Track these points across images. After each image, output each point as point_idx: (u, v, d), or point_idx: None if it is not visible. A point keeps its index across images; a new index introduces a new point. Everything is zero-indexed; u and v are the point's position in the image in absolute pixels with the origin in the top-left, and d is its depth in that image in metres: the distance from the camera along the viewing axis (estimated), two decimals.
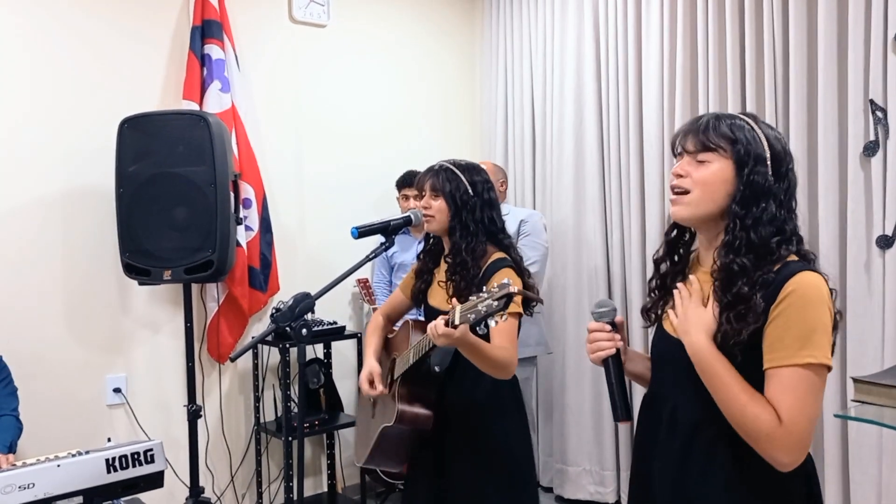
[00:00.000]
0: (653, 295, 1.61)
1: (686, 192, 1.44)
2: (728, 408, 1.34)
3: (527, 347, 3.43)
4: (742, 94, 3.20)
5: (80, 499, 2.30)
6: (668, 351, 1.50)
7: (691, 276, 1.49)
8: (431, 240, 2.31)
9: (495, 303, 1.64)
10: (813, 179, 2.98)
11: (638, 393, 3.09)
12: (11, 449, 2.59)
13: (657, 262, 1.60)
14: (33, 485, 2.20)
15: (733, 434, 1.35)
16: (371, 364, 2.25)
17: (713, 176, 1.41)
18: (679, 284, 1.49)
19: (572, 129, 3.97)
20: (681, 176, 1.45)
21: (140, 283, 3.24)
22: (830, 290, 1.36)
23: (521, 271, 2.14)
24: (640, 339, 3.49)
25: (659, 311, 1.57)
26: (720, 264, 1.40)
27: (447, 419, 2.12)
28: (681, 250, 1.58)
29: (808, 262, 1.39)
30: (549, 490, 4.12)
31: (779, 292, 1.33)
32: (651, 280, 1.63)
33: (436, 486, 2.16)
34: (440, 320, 1.81)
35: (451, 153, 3.57)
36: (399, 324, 2.43)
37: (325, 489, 3.95)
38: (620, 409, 1.51)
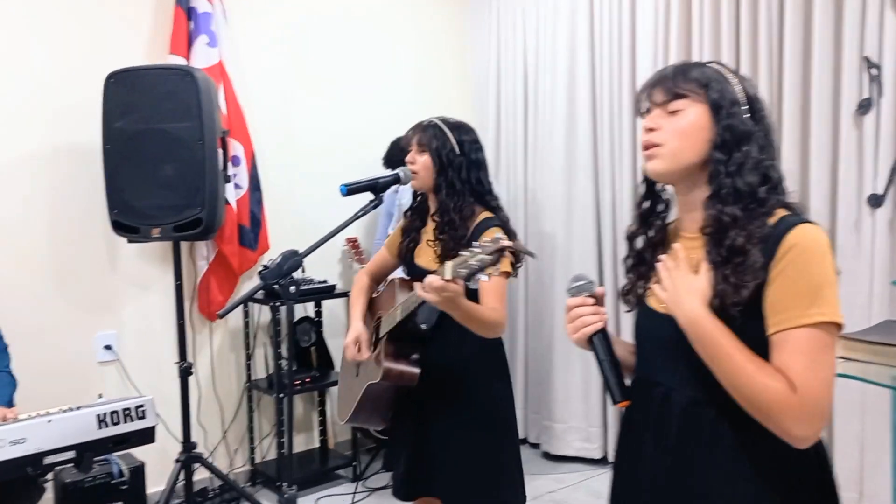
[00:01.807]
0: (630, 275, 1.46)
1: (659, 146, 1.32)
2: (732, 381, 1.20)
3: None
4: (736, 50, 3.17)
5: (72, 453, 2.32)
6: (656, 329, 1.37)
7: (674, 245, 1.36)
8: (419, 197, 2.30)
9: (488, 257, 1.60)
10: (805, 137, 2.98)
11: None
12: (10, 404, 2.60)
13: (631, 238, 1.47)
14: (25, 440, 2.22)
15: (736, 414, 1.22)
16: (357, 328, 2.25)
17: (689, 125, 1.30)
18: (662, 256, 1.35)
19: (564, 88, 3.93)
20: (652, 130, 1.33)
21: (129, 241, 3.21)
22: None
23: (510, 231, 2.13)
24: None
25: (640, 292, 1.43)
26: (708, 217, 1.29)
27: (430, 375, 2.13)
28: (656, 223, 1.45)
29: (799, 213, 1.28)
30: (535, 446, 4.18)
31: (777, 248, 1.22)
32: (626, 258, 1.48)
33: (417, 441, 2.18)
34: (431, 278, 1.78)
35: (442, 110, 3.53)
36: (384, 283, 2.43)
37: (317, 445, 3.99)
38: (617, 389, 1.36)
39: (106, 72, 3.01)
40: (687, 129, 1.31)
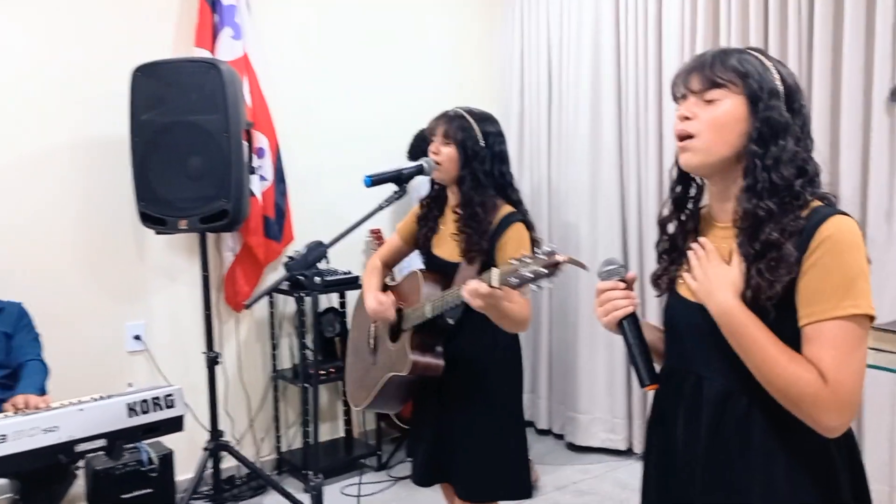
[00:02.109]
0: (662, 260, 1.45)
1: (693, 138, 1.29)
2: (764, 371, 1.20)
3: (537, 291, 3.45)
4: (765, 36, 3.11)
5: (102, 441, 2.37)
6: (687, 318, 1.36)
7: (701, 239, 1.34)
8: (437, 187, 2.29)
9: (542, 269, 1.59)
10: (836, 125, 2.93)
11: None
12: (43, 391, 2.66)
13: (663, 223, 1.45)
14: (57, 428, 2.27)
15: (767, 403, 1.23)
16: (376, 291, 2.26)
17: (725, 115, 1.27)
18: (693, 245, 1.34)
19: (589, 77, 3.90)
20: (687, 118, 1.29)
21: (156, 233, 3.26)
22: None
23: (531, 226, 2.14)
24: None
25: (670, 277, 1.42)
26: (743, 211, 1.27)
27: (451, 366, 2.15)
28: (689, 207, 1.42)
29: (833, 205, 1.26)
30: (559, 437, 4.17)
31: (811, 240, 1.20)
32: (658, 243, 1.47)
33: (436, 430, 2.21)
34: (477, 283, 1.78)
35: (466, 101, 3.53)
36: (397, 271, 2.44)
37: (342, 434, 4.03)
38: (646, 373, 1.35)
39: (134, 65, 3.04)
40: (723, 120, 1.28)
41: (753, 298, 1.23)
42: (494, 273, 1.73)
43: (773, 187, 1.25)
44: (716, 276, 1.28)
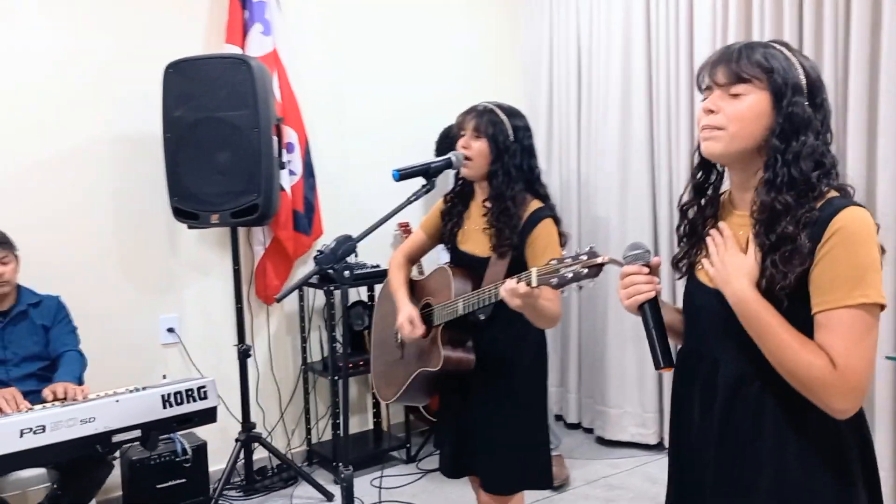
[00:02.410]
0: (682, 244, 1.50)
1: (719, 129, 1.33)
2: (778, 357, 1.26)
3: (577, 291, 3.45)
4: (799, 25, 3.06)
5: (138, 432, 2.42)
6: (705, 303, 1.41)
7: (721, 223, 1.39)
8: (461, 181, 2.29)
9: (584, 270, 1.60)
10: (873, 117, 2.87)
11: None
12: (81, 381, 2.72)
13: (684, 208, 1.49)
14: (94, 418, 2.32)
15: (780, 386, 1.27)
16: (408, 307, 2.26)
17: (749, 110, 1.30)
18: (712, 231, 1.39)
19: (619, 69, 3.86)
20: (712, 112, 1.33)
21: (189, 227, 3.31)
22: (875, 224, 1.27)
23: (559, 221, 2.14)
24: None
25: (690, 261, 1.47)
26: (761, 204, 1.30)
27: (482, 359, 2.17)
28: (709, 193, 1.47)
29: (848, 196, 1.30)
30: (589, 431, 4.16)
31: (824, 231, 1.24)
32: (679, 227, 1.51)
33: (464, 422, 2.22)
34: (515, 282, 1.78)
35: (493, 91, 3.51)
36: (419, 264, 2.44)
37: (371, 427, 4.06)
38: (662, 356, 1.40)
39: (166, 61, 3.09)
40: (747, 115, 1.31)
41: (768, 288, 1.28)
42: (534, 273, 1.74)
43: (792, 181, 1.29)
44: (732, 265, 1.32)
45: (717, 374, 1.37)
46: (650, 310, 1.42)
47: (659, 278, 1.46)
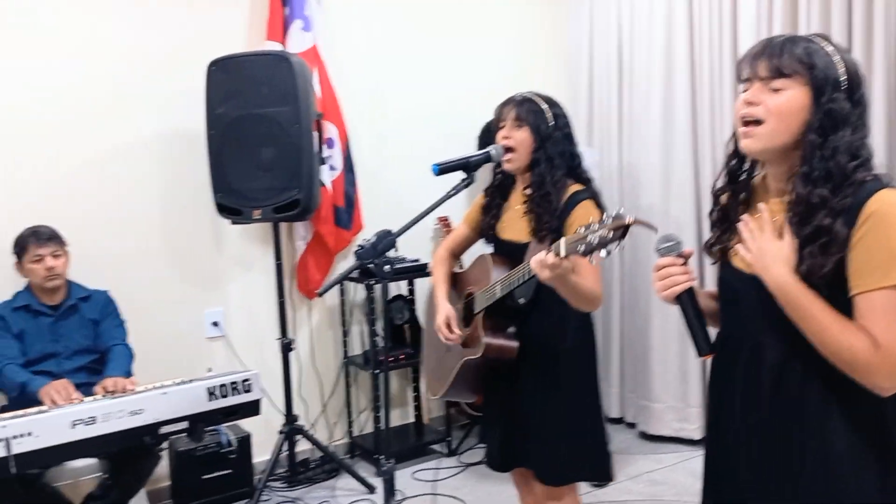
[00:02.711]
0: (715, 229, 1.52)
1: (758, 123, 1.34)
2: (821, 340, 1.28)
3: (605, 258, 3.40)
4: (848, 14, 2.97)
5: (185, 424, 2.47)
6: (743, 289, 1.43)
7: (760, 205, 1.40)
8: (500, 174, 2.28)
9: (610, 233, 1.56)
10: None
11: None
12: (130, 373, 2.79)
13: (718, 194, 1.51)
14: (143, 410, 2.37)
15: (823, 367, 1.29)
16: (446, 307, 2.26)
17: (789, 105, 1.32)
18: (744, 217, 1.41)
19: (661, 57, 3.81)
20: (752, 104, 1.35)
21: (232, 223, 3.36)
22: None
23: (601, 205, 2.11)
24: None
25: (723, 246, 1.49)
26: (798, 197, 1.33)
27: (525, 348, 2.15)
28: (743, 179, 1.49)
29: (876, 178, 1.31)
30: (632, 426, 4.12)
31: (858, 215, 1.26)
32: (711, 212, 1.54)
33: (512, 413, 2.20)
34: (543, 254, 1.75)
35: (533, 83, 3.48)
36: (466, 257, 2.42)
37: (412, 420, 4.08)
38: (702, 343, 1.43)
39: (209, 59, 3.13)
40: (787, 110, 1.33)
41: (807, 276, 1.30)
42: (562, 242, 1.70)
43: (828, 175, 1.31)
44: (770, 251, 1.34)
45: (759, 358, 1.39)
46: (688, 299, 1.44)
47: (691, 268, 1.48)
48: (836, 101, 1.30)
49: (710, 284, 3.27)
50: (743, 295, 1.43)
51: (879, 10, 2.84)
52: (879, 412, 1.31)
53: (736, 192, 1.48)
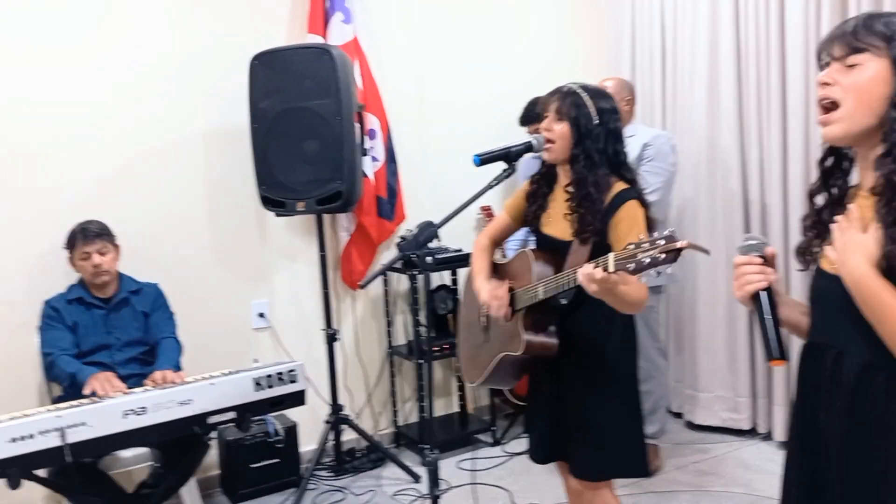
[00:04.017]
0: (808, 233, 1.42)
1: (834, 106, 1.26)
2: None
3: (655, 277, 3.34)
4: None
5: (232, 414, 2.51)
6: (827, 290, 1.34)
7: (850, 206, 1.31)
8: (546, 164, 2.25)
9: (661, 255, 1.55)
10: None
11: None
12: (178, 367, 2.85)
13: (812, 195, 1.42)
14: (191, 401, 2.42)
15: None
16: (488, 286, 2.23)
17: (867, 80, 1.24)
18: (838, 218, 1.31)
19: (706, 39, 3.72)
20: (828, 84, 1.27)
21: (276, 215, 3.40)
22: None
23: (646, 204, 2.07)
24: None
25: (815, 251, 1.40)
26: (879, 177, 1.24)
27: (568, 345, 2.13)
28: (839, 180, 1.39)
29: None
30: (678, 416, 4.07)
31: None
32: (806, 217, 1.44)
33: (554, 407, 2.19)
34: (591, 268, 1.74)
35: (575, 70, 3.43)
36: (508, 250, 2.40)
37: (457, 409, 4.09)
38: (774, 346, 1.33)
39: (251, 53, 3.17)
40: (864, 84, 1.25)
41: (889, 266, 1.20)
42: (611, 258, 1.69)
43: None
44: (851, 243, 1.25)
45: (841, 366, 1.31)
46: (763, 299, 1.37)
47: (775, 269, 1.40)
48: None
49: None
50: (827, 297, 1.35)
51: None
52: None
53: (831, 195, 1.39)
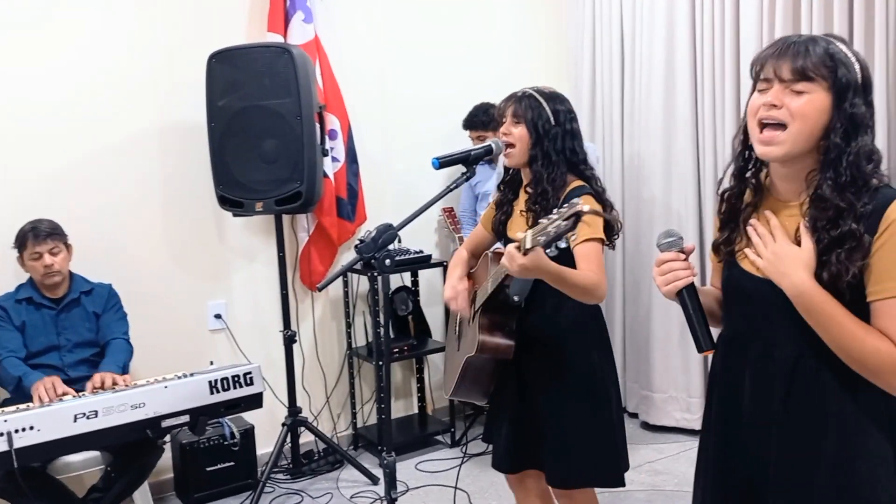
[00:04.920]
0: (723, 230, 1.50)
1: (781, 127, 1.32)
2: (843, 345, 1.28)
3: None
4: (850, 6, 2.94)
5: (186, 417, 2.48)
6: (755, 290, 1.41)
7: (767, 213, 1.40)
8: (510, 171, 2.27)
9: (564, 223, 1.55)
10: None
11: None
12: (125, 370, 2.79)
13: (725, 194, 1.50)
14: (144, 404, 2.38)
15: (835, 365, 1.30)
16: (452, 283, 2.24)
17: (812, 108, 1.30)
18: (752, 222, 1.41)
19: (663, 48, 3.78)
20: (775, 106, 1.32)
21: (234, 215, 3.36)
22: None
23: (603, 201, 2.09)
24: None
25: (731, 248, 1.47)
26: (821, 200, 1.31)
27: (529, 347, 2.12)
28: (752, 180, 1.47)
29: (887, 184, 1.32)
30: (634, 416, 4.13)
31: (879, 222, 1.27)
32: (719, 212, 1.52)
33: (519, 414, 2.17)
34: (512, 248, 1.75)
35: (537, 74, 3.47)
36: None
37: (416, 411, 4.09)
38: (703, 338, 1.43)
39: (210, 51, 3.13)
40: (811, 113, 1.31)
41: (831, 282, 1.29)
42: (528, 235, 1.69)
43: (853, 180, 1.30)
44: (788, 257, 1.33)
45: (771, 356, 1.39)
46: (689, 295, 1.44)
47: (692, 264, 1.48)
48: (857, 105, 1.30)
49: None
50: (755, 296, 1.41)
51: (880, 4, 2.81)
52: (891, 408, 1.32)
53: (743, 193, 1.47)
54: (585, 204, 1.54)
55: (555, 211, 1.62)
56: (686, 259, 1.46)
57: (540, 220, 1.65)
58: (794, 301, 1.31)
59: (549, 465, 2.14)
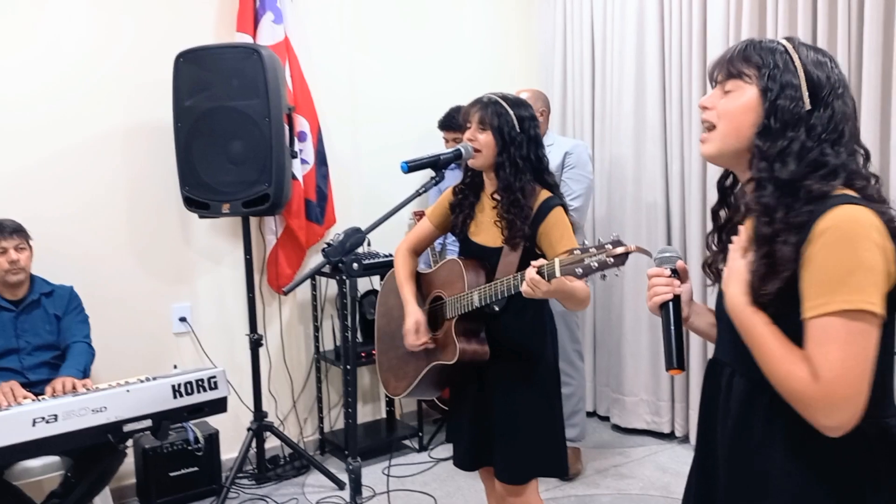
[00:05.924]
0: (712, 249, 1.47)
1: (713, 127, 1.32)
2: (764, 366, 1.20)
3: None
4: (813, 14, 3.01)
5: (149, 422, 2.43)
6: (721, 310, 1.37)
7: (740, 227, 1.34)
8: (470, 173, 2.28)
9: (611, 259, 1.66)
10: (886, 107, 2.82)
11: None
12: (86, 373, 2.74)
13: (714, 213, 1.47)
14: (105, 408, 2.33)
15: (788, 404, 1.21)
16: (416, 312, 2.25)
17: (736, 106, 1.28)
18: (734, 237, 1.34)
19: (633, 54, 3.82)
20: (707, 108, 1.33)
21: (200, 217, 3.31)
22: (890, 224, 1.16)
23: (567, 210, 2.14)
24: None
25: (719, 268, 1.42)
26: (744, 204, 1.29)
27: (493, 347, 2.17)
28: (734, 196, 1.43)
29: (855, 196, 1.19)
30: (605, 419, 4.16)
31: (810, 233, 1.16)
32: (710, 233, 1.49)
33: (479, 413, 2.22)
34: (534, 274, 1.82)
35: (506, 80, 3.48)
36: (450, 252, 2.40)
37: (384, 415, 4.07)
38: (674, 357, 1.39)
39: (177, 51, 3.08)
40: (733, 111, 1.29)
41: (753, 294, 1.23)
42: (556, 263, 1.76)
43: (775, 181, 1.23)
44: (732, 270, 1.29)
45: (732, 385, 1.35)
46: (667, 311, 1.43)
47: (687, 281, 1.49)
48: (786, 100, 1.24)
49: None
50: (724, 316, 1.34)
51: (842, 10, 2.87)
52: (849, 451, 1.19)
53: (728, 212, 1.43)
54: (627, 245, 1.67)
55: (587, 244, 1.74)
56: (672, 275, 1.44)
57: (573, 251, 1.75)
58: (731, 317, 1.27)
59: (502, 462, 2.20)
